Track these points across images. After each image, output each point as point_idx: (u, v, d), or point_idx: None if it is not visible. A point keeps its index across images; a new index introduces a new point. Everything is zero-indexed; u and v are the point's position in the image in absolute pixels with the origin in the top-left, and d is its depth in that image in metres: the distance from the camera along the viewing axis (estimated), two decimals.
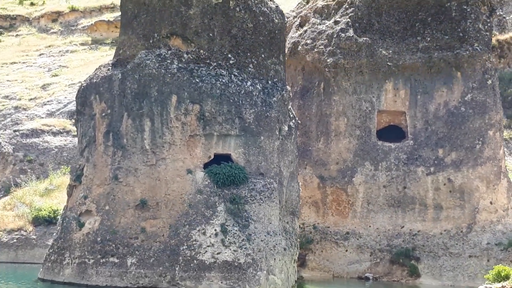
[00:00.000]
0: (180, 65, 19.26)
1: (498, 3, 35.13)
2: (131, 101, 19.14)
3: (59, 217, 22.27)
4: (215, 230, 18.17)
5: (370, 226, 25.12)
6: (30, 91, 40.33)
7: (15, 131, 34.28)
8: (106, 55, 46.87)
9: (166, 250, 18.21)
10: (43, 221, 27.97)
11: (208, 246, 17.98)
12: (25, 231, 27.88)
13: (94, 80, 20.09)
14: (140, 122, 19.07)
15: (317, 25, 27.67)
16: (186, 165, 18.94)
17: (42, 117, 36.19)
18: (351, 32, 26.13)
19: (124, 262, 18.28)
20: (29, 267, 25.52)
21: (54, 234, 20.55)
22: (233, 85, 19.32)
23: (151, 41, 19.82)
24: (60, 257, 19.37)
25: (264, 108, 19.61)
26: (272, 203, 19.25)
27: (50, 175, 31.54)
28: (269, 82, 20.29)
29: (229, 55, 19.77)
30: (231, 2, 19.90)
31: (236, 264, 17.84)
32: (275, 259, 18.63)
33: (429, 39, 25.61)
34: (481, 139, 24.16)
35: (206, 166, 19.24)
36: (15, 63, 47.86)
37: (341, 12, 27.17)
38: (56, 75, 43.30)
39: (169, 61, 19.27)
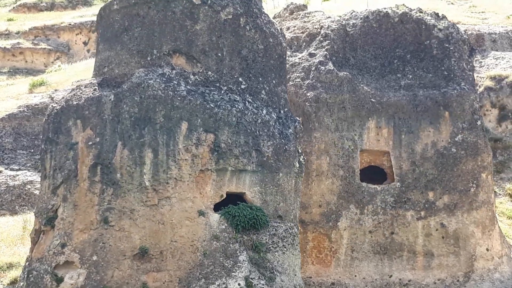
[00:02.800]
0: (188, 87, 16.44)
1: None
2: (129, 128, 16.01)
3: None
4: (239, 284, 15.31)
5: (355, 276, 23.13)
6: None
7: None
8: (7, 84, 42.40)
9: None
10: None
11: None
12: None
13: (74, 102, 16.72)
14: (139, 153, 15.94)
15: (288, 57, 25.82)
16: (196, 206, 16.01)
17: None
18: (330, 65, 24.55)
19: None
20: None
21: None
22: (249, 113, 16.80)
23: (149, 59, 16.91)
24: None
25: (282, 141, 17.24)
26: (295, 251, 16.77)
27: None
28: (281, 111, 18.00)
29: (240, 79, 17.30)
30: (241, 19, 17.56)
31: None
32: None
33: (411, 76, 24.65)
34: (475, 182, 23.18)
35: (216, 207, 16.41)
36: None
37: (315, 45, 25.60)
38: None
39: (175, 82, 16.41)
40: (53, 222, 16.30)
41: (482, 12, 39.94)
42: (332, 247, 23.36)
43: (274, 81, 18.04)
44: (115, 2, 17.61)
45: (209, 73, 16.94)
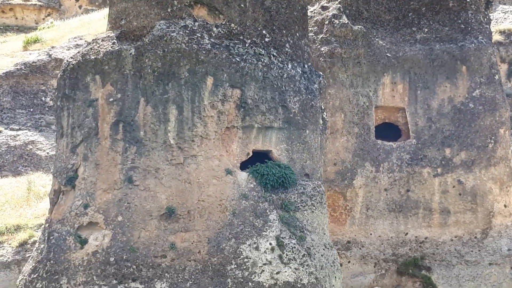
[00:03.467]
0: (212, 40, 15.75)
1: None
2: (152, 84, 15.34)
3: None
4: (270, 244, 14.92)
5: (371, 234, 22.95)
6: None
7: None
8: (0, 42, 41.18)
9: (206, 270, 14.64)
10: None
11: (265, 264, 14.69)
12: None
13: (92, 57, 15.99)
14: (163, 110, 15.32)
15: None
16: (223, 164, 15.50)
17: None
18: (345, 19, 23.88)
19: None
20: None
21: (34, 254, 16.05)
22: (275, 67, 16.17)
23: (169, 10, 16.13)
24: (52, 284, 15.02)
25: (309, 96, 16.69)
26: (324, 209, 16.40)
27: None
28: (305, 66, 17.39)
29: (264, 32, 16.61)
30: None
31: (300, 285, 14.75)
32: (335, 277, 15.73)
33: (426, 30, 24.10)
34: (493, 137, 22.91)
35: (243, 165, 15.92)
36: None
37: None
38: None
39: (199, 35, 15.70)
40: (73, 182, 15.76)
41: None
42: (347, 205, 23.09)
43: (297, 34, 17.38)
44: None
45: (232, 25, 16.23)
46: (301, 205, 15.76)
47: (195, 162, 15.38)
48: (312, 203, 15.99)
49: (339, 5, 24.19)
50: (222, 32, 16.09)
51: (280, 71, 16.23)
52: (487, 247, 22.22)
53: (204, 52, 15.43)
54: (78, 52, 16.70)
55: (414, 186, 22.93)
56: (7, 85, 30.61)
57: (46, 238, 15.80)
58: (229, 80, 15.48)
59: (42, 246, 15.83)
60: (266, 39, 16.58)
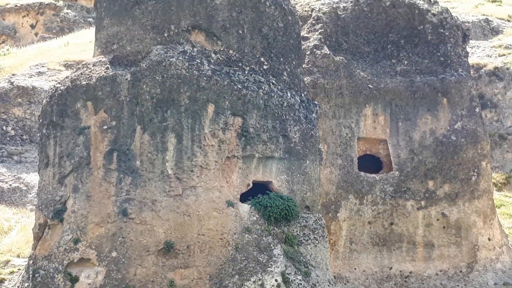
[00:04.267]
0: (212, 66, 15.21)
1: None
2: (150, 111, 14.66)
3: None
4: (276, 280, 14.27)
5: (355, 269, 22.46)
6: None
7: None
8: None
9: None
10: None
11: None
12: None
13: (83, 82, 15.20)
14: (162, 139, 14.63)
15: None
16: (224, 196, 14.85)
17: None
18: (326, 49, 23.72)
19: None
20: None
21: None
22: (275, 96, 15.75)
23: (165, 35, 15.56)
24: None
25: (308, 126, 16.31)
26: (326, 243, 15.93)
27: None
28: (302, 95, 17.04)
29: (262, 59, 16.21)
30: None
31: None
32: None
33: (406, 62, 24.16)
34: (476, 170, 22.92)
35: (242, 197, 15.30)
36: None
37: (308, 28, 24.66)
38: None
39: (198, 61, 15.14)
40: (61, 215, 14.79)
41: (448, 1, 40.16)
42: (330, 239, 22.53)
43: (294, 62, 17.06)
44: None
45: (231, 51, 15.77)
46: (303, 239, 15.24)
47: (194, 194, 14.67)
48: (314, 237, 15.49)
49: (319, 36, 24.01)
50: (221, 58, 15.61)
51: (280, 99, 15.82)
52: (473, 281, 22.02)
53: (205, 78, 14.88)
54: (67, 77, 15.87)
55: (397, 219, 22.65)
56: None
57: (30, 276, 14.71)
58: (231, 107, 14.96)
59: (26, 284, 14.75)
60: (265, 67, 16.18)
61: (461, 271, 22.25)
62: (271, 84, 15.88)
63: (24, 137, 29.23)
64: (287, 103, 15.93)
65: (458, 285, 21.99)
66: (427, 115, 23.45)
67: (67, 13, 46.36)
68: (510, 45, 33.39)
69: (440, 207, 22.63)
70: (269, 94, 15.56)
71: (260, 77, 15.77)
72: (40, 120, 16.10)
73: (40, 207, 15.34)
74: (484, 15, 37.57)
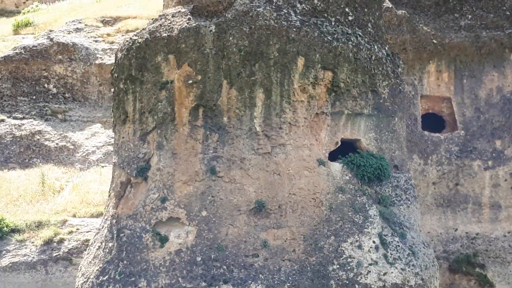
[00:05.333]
0: (299, 17, 14.53)
1: None
2: (238, 64, 14.05)
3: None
4: (374, 242, 13.85)
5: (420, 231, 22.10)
6: None
7: None
8: None
9: (304, 271, 13.47)
10: None
11: (371, 264, 13.60)
12: None
13: (163, 34, 14.55)
14: (250, 94, 14.07)
15: None
16: (314, 154, 14.34)
17: None
18: (388, 3, 22.96)
19: None
20: None
21: (99, 253, 14.54)
22: (363, 49, 15.08)
23: None
24: (128, 287, 13.58)
25: (397, 81, 15.71)
26: (418, 204, 15.51)
27: None
28: (386, 47, 16.37)
29: (347, 9, 15.51)
30: None
31: (406, 287, 13.69)
32: (436, 278, 14.76)
33: (470, 16, 23.37)
34: None
35: (330, 155, 14.79)
36: None
37: None
38: None
39: (285, 11, 14.46)
40: (145, 173, 14.35)
41: None
42: None
43: (377, 13, 16.39)
44: None
45: (315, 1, 15.05)
46: (396, 200, 14.78)
47: (283, 152, 14.17)
48: (407, 197, 15.02)
49: None
50: (306, 8, 14.91)
51: (368, 52, 15.17)
52: None
53: (294, 29, 14.22)
54: (144, 29, 15.24)
55: (463, 180, 22.25)
56: (5, 70, 28.53)
57: (114, 235, 14.33)
58: (321, 61, 14.31)
59: (110, 244, 14.35)
60: (350, 18, 15.49)
61: None
62: (358, 36, 15.20)
63: (67, 95, 28.79)
64: (375, 56, 15.29)
65: None
66: (494, 72, 22.84)
67: None
68: None
69: (508, 167, 22.22)
70: (358, 47, 14.90)
71: (347, 29, 15.10)
72: (116, 75, 15.53)
73: (121, 165, 14.89)
74: None
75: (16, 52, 29.06)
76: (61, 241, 21.01)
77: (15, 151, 26.04)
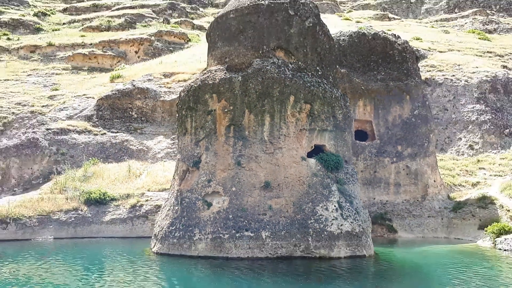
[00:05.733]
0: (290, 72, 14.15)
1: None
2: (255, 100, 13.61)
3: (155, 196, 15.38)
4: (335, 206, 13.43)
5: None
6: (39, 100, 30.54)
7: (47, 129, 25.16)
8: (91, 77, 38.06)
9: (294, 223, 13.03)
10: (94, 202, 20.33)
11: (333, 219, 13.18)
12: (81, 210, 19.94)
13: (210, 82, 14.11)
14: (261, 118, 13.65)
15: None
16: (299, 154, 13.92)
17: (64, 120, 27.23)
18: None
19: (259, 236, 12.75)
20: (95, 241, 18.23)
21: (169, 213, 14.01)
22: (328, 91, 14.70)
23: (260, 52, 14.43)
24: (188, 233, 13.08)
25: (346, 110, 15.30)
26: (358, 183, 15.02)
27: (85, 165, 23.47)
28: (339, 91, 15.99)
29: (317, 68, 15.13)
30: (317, 27, 15.31)
31: (354, 233, 13.30)
32: (370, 227, 14.36)
33: (383, 73, 23.01)
34: (427, 139, 22.04)
35: (308, 154, 14.36)
36: (8, 80, 36.54)
37: None
38: (57, 89, 33.55)
39: (283, 68, 14.07)
40: (198, 165, 13.87)
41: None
42: None
43: (334, 70, 16.00)
44: (231, 12, 14.93)
45: (300, 63, 14.69)
46: (346, 180, 14.34)
47: (281, 152, 13.75)
48: (352, 179, 14.61)
49: None
50: (294, 67, 14.52)
51: (330, 93, 14.78)
52: (426, 206, 21.25)
53: (288, 79, 13.84)
54: (197, 79, 14.76)
55: (378, 169, 21.81)
56: (106, 103, 27.81)
57: (179, 202, 13.81)
58: (304, 98, 13.93)
59: (176, 208, 13.82)
60: (319, 73, 15.11)
61: (418, 200, 21.49)
62: (324, 83, 14.84)
63: (142, 118, 28.02)
64: (334, 96, 14.91)
65: (416, 208, 21.29)
66: (397, 106, 22.45)
67: (157, 44, 44.64)
68: (433, 65, 32.24)
69: (405, 162, 21.79)
70: (324, 90, 14.53)
71: (317, 79, 14.72)
72: (179, 106, 15.02)
73: (183, 160, 14.38)
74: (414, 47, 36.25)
75: (113, 93, 28.32)
76: (141, 205, 20.34)
77: (112, 152, 25.27)
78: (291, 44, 14.59)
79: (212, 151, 13.69)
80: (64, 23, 55.77)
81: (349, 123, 15.34)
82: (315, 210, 13.16)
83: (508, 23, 49.74)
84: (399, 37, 24.67)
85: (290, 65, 14.42)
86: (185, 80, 30.53)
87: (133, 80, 30.42)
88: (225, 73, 14.06)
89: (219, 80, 13.87)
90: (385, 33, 24.50)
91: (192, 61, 35.48)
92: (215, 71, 14.38)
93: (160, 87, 30.11)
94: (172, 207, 14.06)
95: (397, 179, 21.78)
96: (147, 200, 20.73)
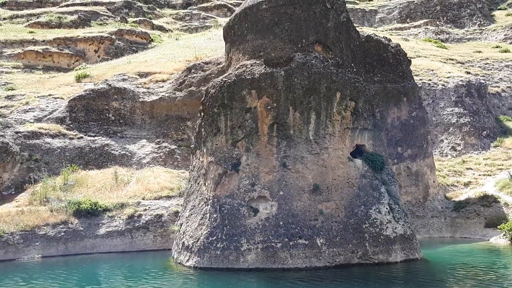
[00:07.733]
0: (334, 68, 13.31)
1: None
2: (300, 96, 12.55)
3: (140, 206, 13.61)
4: (387, 208, 12.71)
5: None
6: None
7: (16, 132, 21.94)
8: (50, 77, 34.56)
9: (347, 228, 12.11)
10: (85, 214, 17.99)
11: (388, 222, 12.44)
12: (71, 223, 17.48)
13: (247, 77, 12.83)
14: (307, 116, 12.63)
15: None
16: (345, 154, 13.06)
17: (32, 122, 24.01)
18: None
19: (314, 243, 11.66)
20: (91, 257, 16.00)
21: (205, 222, 12.43)
22: (367, 88, 14.06)
23: (299, 46, 13.43)
24: (233, 244, 11.65)
25: (382, 108, 14.76)
26: (397, 184, 14.46)
27: (63, 172, 20.79)
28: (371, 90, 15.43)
29: (352, 64, 14.45)
30: (350, 22, 14.68)
31: (406, 236, 12.67)
32: (415, 230, 13.84)
33: (379, 75, 23.02)
34: (425, 140, 22.29)
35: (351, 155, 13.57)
36: None
37: None
38: (13, 89, 29.81)
39: (326, 64, 13.18)
40: (237, 167, 12.50)
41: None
42: None
43: (364, 67, 15.42)
44: (263, 3, 13.78)
45: (337, 58, 13.90)
46: (389, 181, 13.74)
47: (327, 153, 12.81)
48: (393, 180, 14.03)
49: None
50: (333, 62, 13.70)
51: (369, 90, 14.16)
52: (428, 206, 21.46)
53: (334, 75, 12.96)
54: (230, 74, 13.38)
55: None
56: (80, 104, 24.96)
57: (217, 209, 12.29)
58: (350, 94, 13.13)
59: (214, 215, 12.29)
60: (354, 69, 14.44)
61: (419, 201, 21.62)
62: (361, 80, 14.19)
63: (121, 121, 25.55)
64: (371, 93, 14.32)
65: (419, 209, 21.38)
66: (395, 108, 22.43)
67: (118, 43, 41.71)
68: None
69: (406, 163, 21.84)
70: (365, 87, 13.88)
71: (356, 76, 14.04)
72: (208, 103, 13.51)
73: (218, 162, 12.87)
74: None
75: (86, 93, 25.57)
76: (140, 216, 18.30)
77: (92, 157, 22.65)
78: (329, 38, 13.78)
79: (254, 152, 12.41)
80: (4, 18, 50.44)
81: (384, 122, 14.80)
82: (369, 213, 12.36)
83: (457, 34, 53.47)
84: (390, 40, 24.93)
85: (329, 60, 13.58)
86: (163, 80, 28.50)
87: (107, 80, 27.76)
88: (265, 67, 12.86)
89: (260, 75, 12.65)
90: (376, 35, 24.63)
91: (164, 61, 33.37)
92: (252, 66, 13.12)
93: (138, 87, 27.78)
94: (208, 215, 12.49)
95: (399, 180, 21.59)
96: (145, 210, 18.69)
